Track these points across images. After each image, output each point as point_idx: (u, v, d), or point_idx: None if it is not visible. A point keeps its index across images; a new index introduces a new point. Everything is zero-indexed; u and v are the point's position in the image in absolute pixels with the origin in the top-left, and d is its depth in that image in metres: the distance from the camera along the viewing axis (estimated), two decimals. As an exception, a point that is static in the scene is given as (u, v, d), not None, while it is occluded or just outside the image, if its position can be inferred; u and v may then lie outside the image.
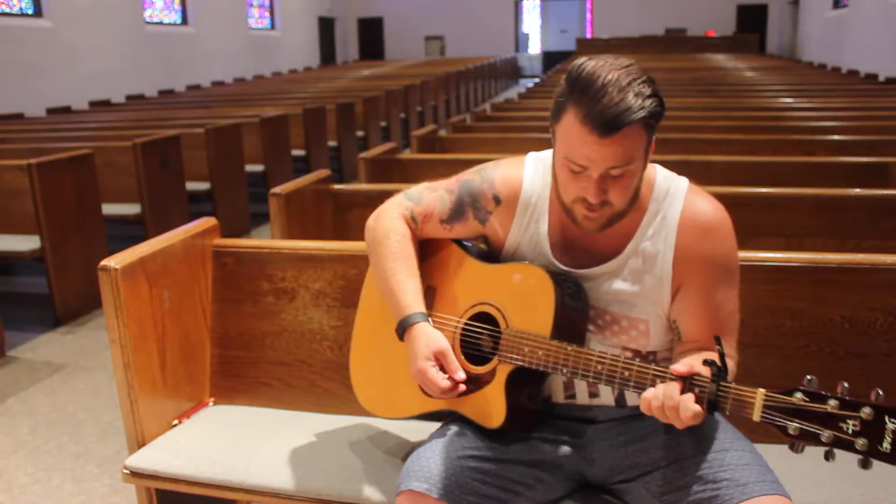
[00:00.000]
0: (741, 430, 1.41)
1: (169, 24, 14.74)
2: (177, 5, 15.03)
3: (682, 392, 1.16)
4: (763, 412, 1.10)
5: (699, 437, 1.34)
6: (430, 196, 1.52)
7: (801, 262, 1.70)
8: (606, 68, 1.20)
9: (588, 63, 1.22)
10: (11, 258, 4.35)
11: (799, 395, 1.08)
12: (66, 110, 9.01)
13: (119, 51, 12.69)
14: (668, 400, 1.16)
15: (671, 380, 1.18)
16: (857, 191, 2.79)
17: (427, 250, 1.55)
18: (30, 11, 11.14)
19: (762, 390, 1.11)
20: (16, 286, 4.90)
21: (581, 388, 1.43)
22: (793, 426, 1.08)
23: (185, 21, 15.21)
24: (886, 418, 1.03)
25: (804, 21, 18.30)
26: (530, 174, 1.44)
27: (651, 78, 1.23)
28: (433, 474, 1.31)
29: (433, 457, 1.35)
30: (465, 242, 1.53)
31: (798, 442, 1.08)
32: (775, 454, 1.47)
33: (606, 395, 1.42)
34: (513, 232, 1.44)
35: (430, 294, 1.51)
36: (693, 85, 8.46)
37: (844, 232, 2.69)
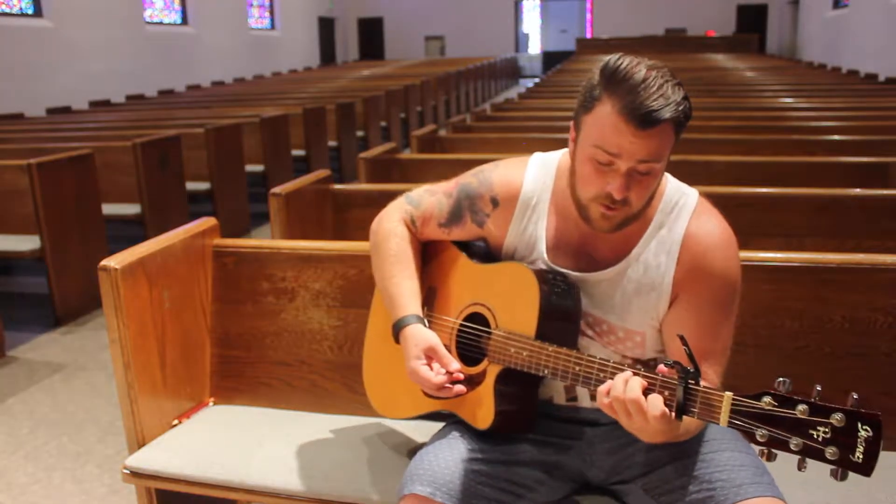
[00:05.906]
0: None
1: (169, 24, 14.74)
2: (177, 5, 15.02)
3: (646, 392, 1.10)
4: (731, 416, 1.03)
5: (697, 438, 1.34)
6: (429, 200, 1.51)
7: (801, 262, 1.70)
8: (643, 66, 1.20)
9: (624, 58, 1.22)
10: (11, 258, 4.36)
11: (767, 399, 1.00)
12: (66, 110, 9.00)
13: (119, 51, 12.69)
14: (629, 392, 1.09)
15: (633, 372, 1.12)
16: (857, 191, 2.79)
17: (429, 252, 1.55)
18: (30, 11, 11.14)
19: (729, 394, 1.04)
20: (16, 286, 4.89)
21: (583, 391, 1.42)
22: (760, 432, 1.00)
23: (185, 21, 15.21)
24: (859, 425, 0.95)
25: (804, 21, 18.30)
26: (531, 175, 1.42)
27: (680, 82, 1.23)
28: (436, 477, 1.31)
29: (436, 460, 1.34)
30: (466, 243, 1.53)
31: (767, 449, 1.00)
32: (775, 454, 1.46)
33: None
34: (510, 233, 1.43)
35: (432, 295, 1.51)
36: (693, 85, 8.44)
37: (844, 232, 2.69)
